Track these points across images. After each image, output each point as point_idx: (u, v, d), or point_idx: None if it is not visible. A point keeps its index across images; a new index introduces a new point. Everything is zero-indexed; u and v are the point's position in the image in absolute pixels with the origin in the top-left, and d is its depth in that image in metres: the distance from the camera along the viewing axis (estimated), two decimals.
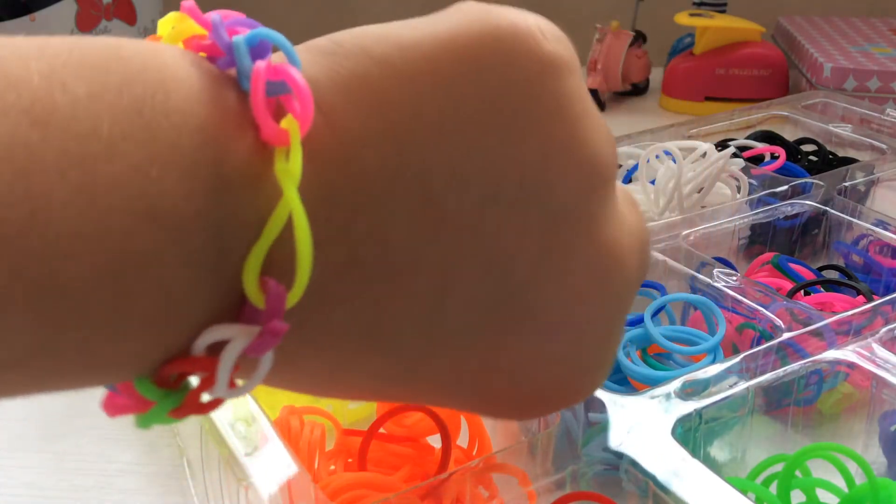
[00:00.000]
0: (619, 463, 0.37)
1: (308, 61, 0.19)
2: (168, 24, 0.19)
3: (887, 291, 0.56)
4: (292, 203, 0.17)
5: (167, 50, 0.17)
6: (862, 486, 0.38)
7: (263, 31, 0.18)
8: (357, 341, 0.19)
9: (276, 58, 0.18)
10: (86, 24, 0.96)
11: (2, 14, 0.95)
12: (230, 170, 0.17)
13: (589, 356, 0.23)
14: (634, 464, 0.36)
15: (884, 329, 0.45)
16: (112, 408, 0.18)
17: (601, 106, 1.00)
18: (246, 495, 0.35)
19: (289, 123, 0.17)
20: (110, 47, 0.16)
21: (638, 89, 1.05)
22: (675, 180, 0.60)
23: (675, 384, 0.41)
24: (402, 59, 0.19)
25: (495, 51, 0.19)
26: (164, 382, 0.18)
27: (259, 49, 0.18)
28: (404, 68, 0.18)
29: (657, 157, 0.64)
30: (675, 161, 0.61)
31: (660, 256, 0.54)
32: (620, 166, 0.70)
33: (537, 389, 0.23)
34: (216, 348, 0.17)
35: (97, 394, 0.19)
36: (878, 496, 0.38)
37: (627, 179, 0.68)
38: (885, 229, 0.59)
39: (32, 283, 0.15)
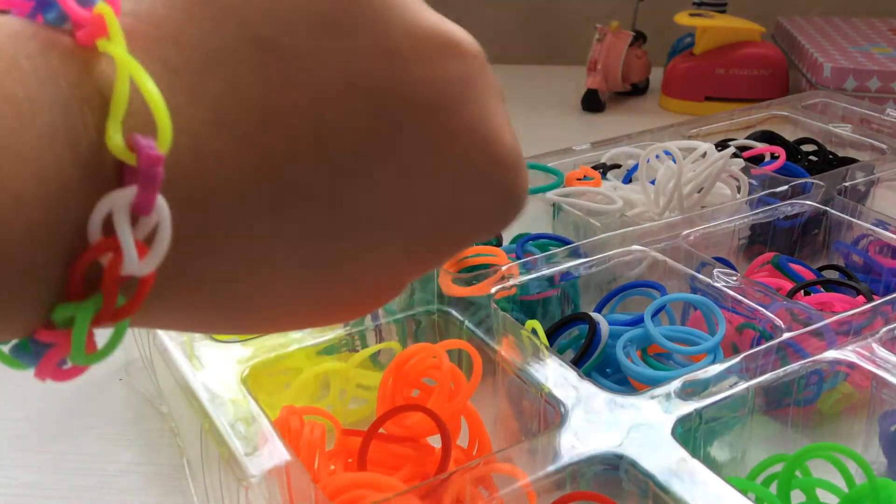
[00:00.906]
0: (619, 463, 0.37)
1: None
2: None
3: (887, 291, 0.56)
4: (126, 61, 0.17)
5: None
6: (862, 486, 0.38)
7: None
8: (260, 197, 0.19)
9: None
10: None
11: None
12: (55, 61, 0.17)
13: (479, 144, 0.23)
14: (634, 464, 0.36)
15: (884, 329, 0.45)
16: (41, 370, 0.18)
17: (601, 106, 1.01)
18: (246, 495, 0.35)
19: (101, 9, 0.18)
20: None
21: (638, 89, 1.05)
22: (675, 180, 0.60)
23: (675, 384, 0.41)
24: None
25: None
26: (79, 294, 0.17)
27: None
28: None
29: (657, 157, 0.64)
30: (675, 161, 0.61)
31: (660, 256, 0.54)
32: (620, 166, 0.70)
33: (436, 227, 0.23)
34: (112, 231, 0.17)
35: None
36: (878, 496, 0.38)
37: (627, 179, 0.68)
38: (885, 229, 0.59)
39: None
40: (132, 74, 0.17)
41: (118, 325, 0.18)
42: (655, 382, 0.43)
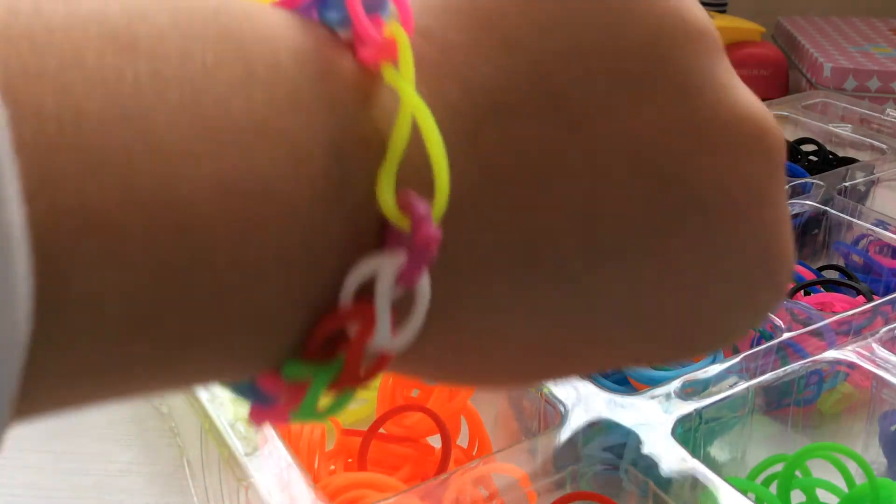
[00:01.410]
0: (619, 463, 0.37)
1: None
2: None
3: (887, 291, 0.56)
4: (413, 102, 0.15)
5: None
6: (862, 486, 0.38)
7: None
8: (513, 269, 0.17)
9: None
10: None
11: None
12: (336, 87, 0.15)
13: (769, 251, 0.19)
14: (634, 464, 0.36)
15: (884, 329, 0.45)
16: (258, 414, 0.16)
17: None
18: (246, 495, 0.35)
19: (394, 30, 0.16)
20: None
21: None
22: None
23: (675, 384, 0.41)
24: None
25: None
26: (316, 354, 0.16)
27: None
28: None
29: None
30: None
31: None
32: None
33: (702, 318, 0.20)
34: (363, 297, 0.15)
35: None
36: (878, 496, 0.38)
37: None
38: (885, 229, 0.59)
39: (147, 206, 0.13)
40: (418, 120, 0.15)
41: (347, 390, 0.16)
42: (655, 382, 0.43)
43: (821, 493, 0.40)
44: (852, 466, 0.40)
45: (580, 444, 0.38)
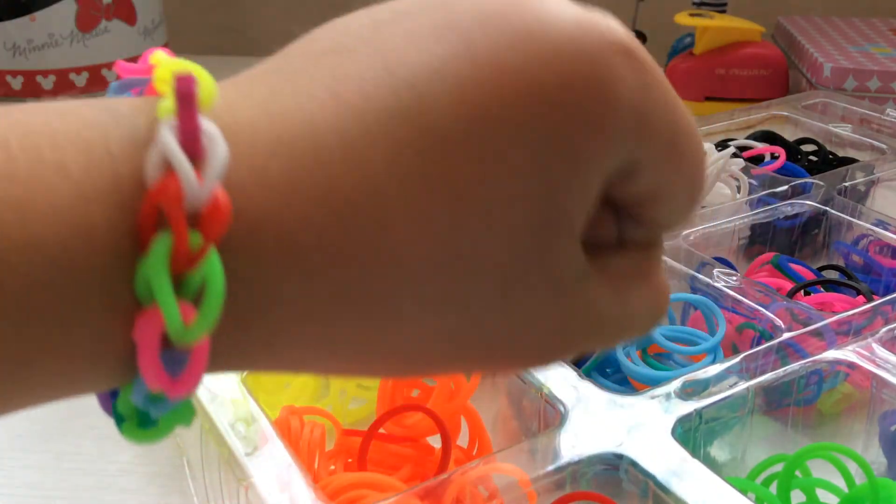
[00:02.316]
0: (619, 463, 0.37)
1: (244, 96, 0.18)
2: None
3: (887, 291, 0.56)
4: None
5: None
6: (862, 486, 0.38)
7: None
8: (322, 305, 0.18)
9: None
10: (86, 24, 0.96)
11: (2, 14, 0.95)
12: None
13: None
14: (634, 464, 0.36)
15: (884, 329, 0.45)
16: (147, 359, 0.17)
17: None
18: (246, 495, 0.35)
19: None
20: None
21: None
22: None
23: (675, 384, 0.41)
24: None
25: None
26: (147, 237, 0.16)
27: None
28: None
29: None
30: None
31: None
32: None
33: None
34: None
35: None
36: (878, 496, 0.38)
37: None
38: (885, 229, 0.59)
39: None
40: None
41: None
42: (655, 382, 0.43)
43: (821, 493, 0.40)
44: (852, 466, 0.40)
45: (580, 444, 0.38)
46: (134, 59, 0.18)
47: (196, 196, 0.16)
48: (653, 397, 0.40)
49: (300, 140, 0.17)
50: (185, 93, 0.16)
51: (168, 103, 0.16)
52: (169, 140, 0.16)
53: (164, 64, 0.17)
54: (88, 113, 0.17)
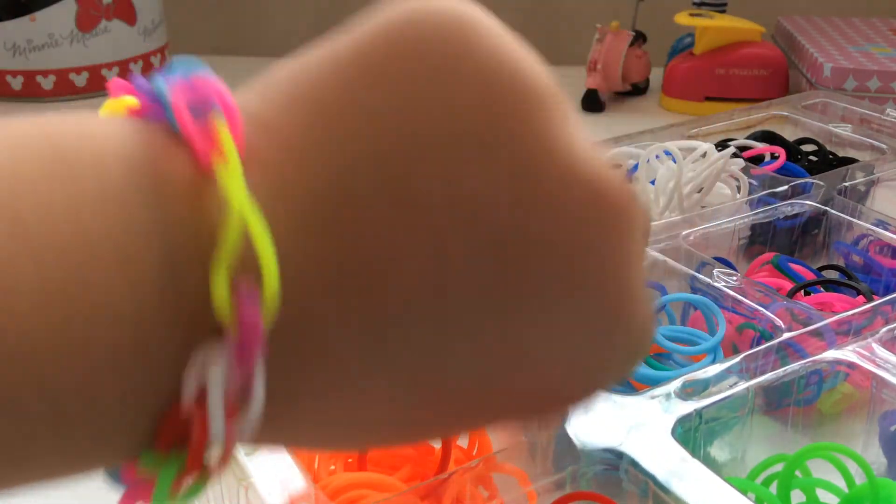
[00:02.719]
0: (619, 463, 0.37)
1: (243, 91, 0.18)
2: (105, 109, 0.19)
3: (887, 291, 0.56)
4: (240, 202, 0.16)
5: (87, 115, 0.17)
6: (862, 486, 0.38)
7: (187, 65, 0.18)
8: (361, 359, 0.18)
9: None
10: (85, 24, 0.96)
11: (2, 14, 0.95)
12: (166, 190, 0.16)
13: (618, 321, 0.20)
14: (634, 464, 0.36)
15: (884, 329, 0.45)
16: (128, 498, 0.17)
17: (601, 106, 1.01)
18: (246, 495, 0.35)
19: (219, 128, 0.16)
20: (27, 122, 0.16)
21: (638, 89, 1.05)
22: (675, 180, 0.60)
23: (675, 384, 0.41)
24: (336, 61, 0.18)
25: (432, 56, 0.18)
26: (168, 444, 0.16)
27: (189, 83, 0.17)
28: (345, 70, 0.18)
29: (657, 157, 0.64)
30: (675, 161, 0.61)
31: (660, 256, 0.54)
32: (620, 166, 0.70)
33: (549, 382, 0.20)
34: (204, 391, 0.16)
35: None
36: (878, 496, 0.38)
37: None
38: (885, 229, 0.59)
39: None
40: (246, 220, 0.16)
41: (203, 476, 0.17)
42: (655, 382, 0.43)
43: (821, 493, 0.40)
44: (852, 466, 0.40)
45: (580, 444, 0.38)
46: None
47: (219, 439, 0.16)
48: (653, 397, 0.40)
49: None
50: (249, 340, 0.16)
51: (225, 302, 0.16)
52: (216, 394, 0.16)
53: (224, 135, 0.16)
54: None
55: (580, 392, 0.21)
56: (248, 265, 0.16)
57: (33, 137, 0.16)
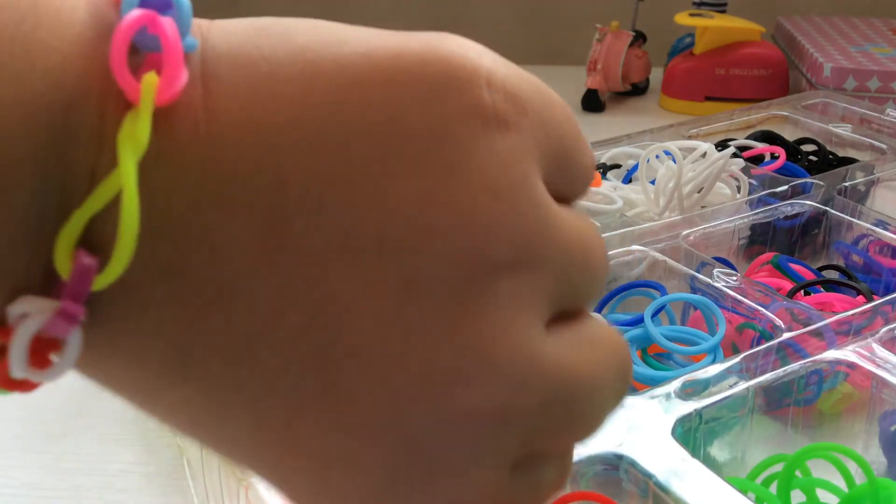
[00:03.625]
0: (619, 463, 0.37)
1: (218, 32, 0.18)
2: None
3: (887, 291, 0.56)
4: (125, 175, 0.15)
5: None
6: (862, 486, 0.38)
7: None
8: (160, 361, 0.17)
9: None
10: None
11: None
12: (78, 120, 0.15)
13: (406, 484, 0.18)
14: (634, 464, 0.36)
15: (884, 329, 0.45)
16: None
17: (601, 106, 1.00)
18: (246, 495, 0.35)
19: (147, 81, 0.16)
20: None
21: (638, 89, 1.05)
22: (675, 180, 0.60)
23: (675, 384, 0.41)
24: (315, 63, 0.17)
25: (416, 85, 0.17)
26: None
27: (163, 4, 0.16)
28: (311, 75, 0.17)
29: (657, 157, 0.64)
30: (675, 161, 0.61)
31: (660, 256, 0.54)
32: (620, 166, 0.70)
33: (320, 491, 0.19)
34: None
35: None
36: (878, 496, 0.38)
37: (627, 179, 0.68)
38: (885, 229, 0.59)
39: None
40: (123, 190, 0.15)
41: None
42: (655, 382, 0.43)
43: (821, 493, 0.40)
44: (852, 466, 0.40)
45: (580, 444, 0.38)
46: None
47: (15, 366, 0.16)
48: (653, 397, 0.40)
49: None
50: (66, 310, 0.16)
51: (65, 255, 0.16)
52: (21, 336, 0.16)
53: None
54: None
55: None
56: (104, 237, 0.16)
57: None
